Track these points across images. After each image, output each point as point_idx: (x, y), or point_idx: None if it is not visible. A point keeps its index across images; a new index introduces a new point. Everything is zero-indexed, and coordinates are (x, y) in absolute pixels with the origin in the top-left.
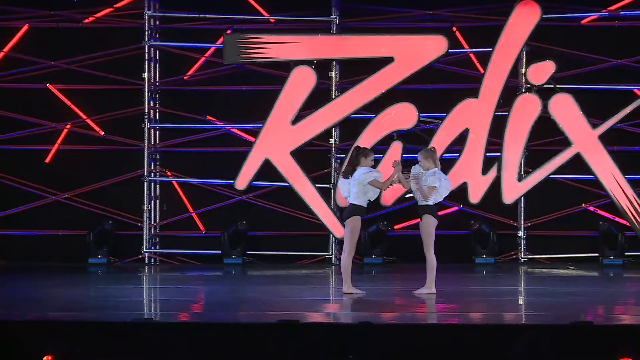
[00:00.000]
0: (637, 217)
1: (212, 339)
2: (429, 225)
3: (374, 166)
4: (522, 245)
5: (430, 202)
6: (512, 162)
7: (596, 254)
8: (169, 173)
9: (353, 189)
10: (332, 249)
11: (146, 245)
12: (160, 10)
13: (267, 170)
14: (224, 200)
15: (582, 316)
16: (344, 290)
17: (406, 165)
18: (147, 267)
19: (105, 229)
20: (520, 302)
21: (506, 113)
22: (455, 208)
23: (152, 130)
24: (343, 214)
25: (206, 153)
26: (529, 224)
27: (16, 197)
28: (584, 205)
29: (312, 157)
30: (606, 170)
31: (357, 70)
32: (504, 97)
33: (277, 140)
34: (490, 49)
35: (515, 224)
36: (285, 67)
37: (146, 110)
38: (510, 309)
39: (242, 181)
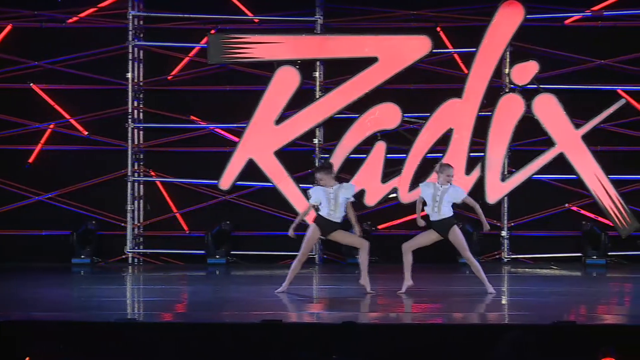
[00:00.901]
0: (620, 217)
1: (195, 339)
2: (459, 235)
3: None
4: (505, 245)
5: (451, 213)
6: (496, 162)
7: (579, 254)
8: (152, 173)
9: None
10: (316, 248)
11: (130, 245)
12: (144, 10)
13: (251, 170)
14: (208, 200)
15: (565, 316)
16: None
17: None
18: (130, 267)
19: (88, 229)
20: (504, 301)
21: (490, 113)
22: None
23: (135, 130)
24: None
25: (190, 153)
26: (512, 224)
27: None
28: (567, 205)
29: (296, 157)
30: (589, 170)
31: (341, 70)
32: (488, 97)
33: (261, 140)
34: (474, 49)
35: (498, 224)
36: (269, 67)
37: (130, 110)
38: (493, 308)
39: (226, 181)
